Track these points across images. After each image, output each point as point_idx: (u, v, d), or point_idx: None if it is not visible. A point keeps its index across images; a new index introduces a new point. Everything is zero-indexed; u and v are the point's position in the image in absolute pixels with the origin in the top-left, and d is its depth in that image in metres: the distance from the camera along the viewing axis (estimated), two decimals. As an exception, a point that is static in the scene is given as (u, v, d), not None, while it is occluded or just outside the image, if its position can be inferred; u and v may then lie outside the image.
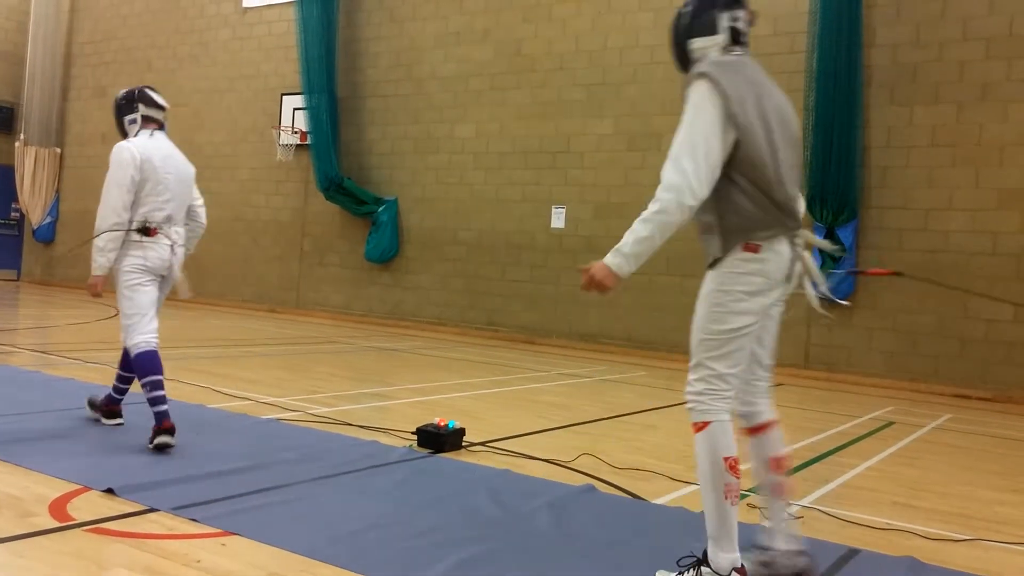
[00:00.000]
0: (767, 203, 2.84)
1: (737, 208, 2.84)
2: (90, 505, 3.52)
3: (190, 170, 5.03)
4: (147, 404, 4.59)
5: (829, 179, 10.81)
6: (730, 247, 2.85)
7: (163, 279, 4.93)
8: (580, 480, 4.55)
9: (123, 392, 5.10)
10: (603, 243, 12.71)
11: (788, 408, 8.27)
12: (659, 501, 4.27)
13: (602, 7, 12.97)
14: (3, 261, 20.20)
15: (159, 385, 4.59)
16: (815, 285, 3.04)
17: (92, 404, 5.22)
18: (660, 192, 2.78)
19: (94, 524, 3.28)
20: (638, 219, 2.79)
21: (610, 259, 2.80)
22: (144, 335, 4.71)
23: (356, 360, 9.78)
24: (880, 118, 10.94)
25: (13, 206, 20.14)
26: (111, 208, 4.67)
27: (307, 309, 15.73)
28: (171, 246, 4.85)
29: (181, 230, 4.98)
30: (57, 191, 19.75)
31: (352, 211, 14.96)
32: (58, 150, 19.69)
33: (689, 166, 2.75)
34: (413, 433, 5.16)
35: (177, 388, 6.55)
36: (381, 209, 14.64)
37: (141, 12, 18.59)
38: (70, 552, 2.99)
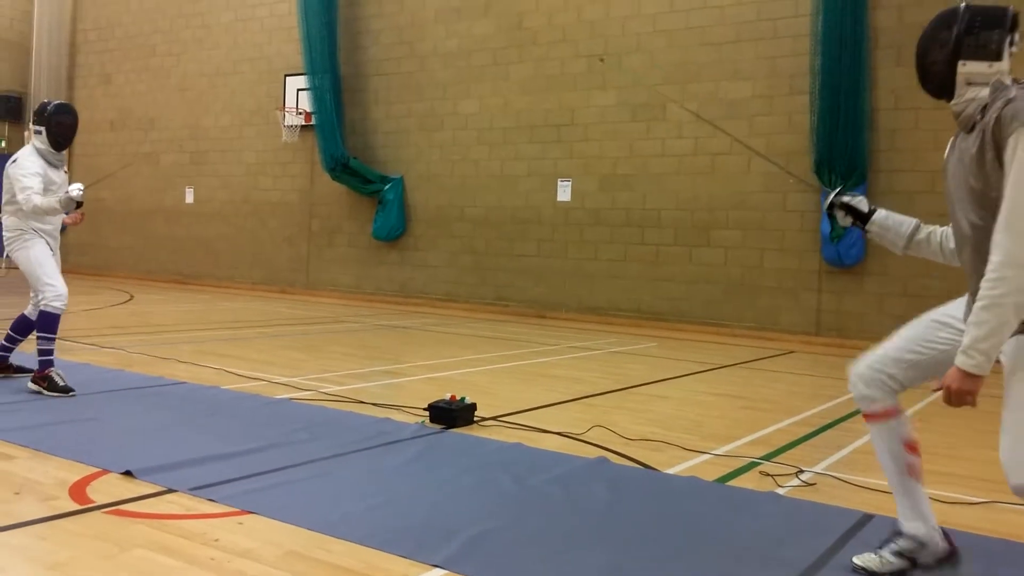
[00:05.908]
0: None
1: None
2: (109, 487, 3.57)
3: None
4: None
5: (836, 143, 10.72)
6: None
7: None
8: (592, 452, 4.57)
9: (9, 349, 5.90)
10: (609, 215, 12.81)
11: (800, 375, 8.27)
12: (671, 471, 4.30)
13: (604, -23, 12.83)
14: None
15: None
16: None
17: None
18: (1002, 269, 2.41)
19: (113, 506, 3.33)
20: (980, 306, 2.45)
21: (964, 361, 2.50)
22: None
23: (367, 339, 9.82)
24: (887, 80, 10.82)
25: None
26: None
27: (317, 289, 15.78)
28: None
29: None
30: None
31: (359, 190, 14.95)
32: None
33: None
34: (425, 409, 5.19)
35: (192, 371, 6.62)
36: (387, 187, 14.63)
37: (142, -4, 18.54)
38: (91, 534, 3.04)
